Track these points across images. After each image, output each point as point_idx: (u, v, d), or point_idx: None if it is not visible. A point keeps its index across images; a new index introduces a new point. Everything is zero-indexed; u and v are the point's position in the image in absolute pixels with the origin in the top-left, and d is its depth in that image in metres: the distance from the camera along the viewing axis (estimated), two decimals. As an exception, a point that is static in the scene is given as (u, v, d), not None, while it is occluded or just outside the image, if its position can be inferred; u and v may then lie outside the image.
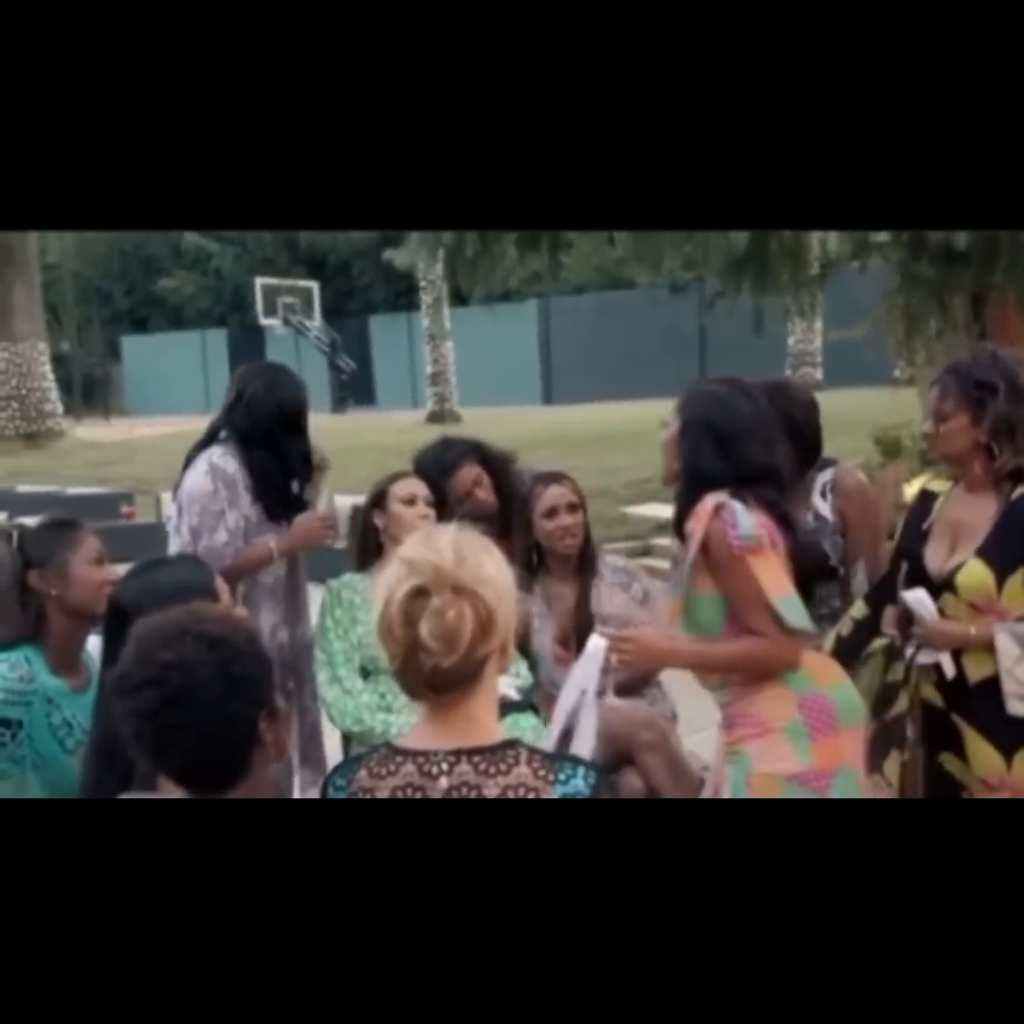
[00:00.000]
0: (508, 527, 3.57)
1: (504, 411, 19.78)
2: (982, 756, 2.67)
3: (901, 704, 2.79)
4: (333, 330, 24.35)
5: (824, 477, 3.08)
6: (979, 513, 2.68)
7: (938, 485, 2.82)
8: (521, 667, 3.34)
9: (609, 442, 13.95)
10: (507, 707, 3.08)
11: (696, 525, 2.40)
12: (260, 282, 23.07)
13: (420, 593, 1.56)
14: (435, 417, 19.38)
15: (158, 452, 15.18)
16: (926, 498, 2.82)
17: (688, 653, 2.53)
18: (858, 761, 2.47)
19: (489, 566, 1.63)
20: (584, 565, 3.48)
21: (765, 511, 2.40)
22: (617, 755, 3.26)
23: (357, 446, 14.13)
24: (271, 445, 3.40)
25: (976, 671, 2.66)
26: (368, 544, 3.43)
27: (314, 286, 23.68)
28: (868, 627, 2.84)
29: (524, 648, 3.43)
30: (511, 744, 1.63)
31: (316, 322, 23.34)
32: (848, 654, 2.79)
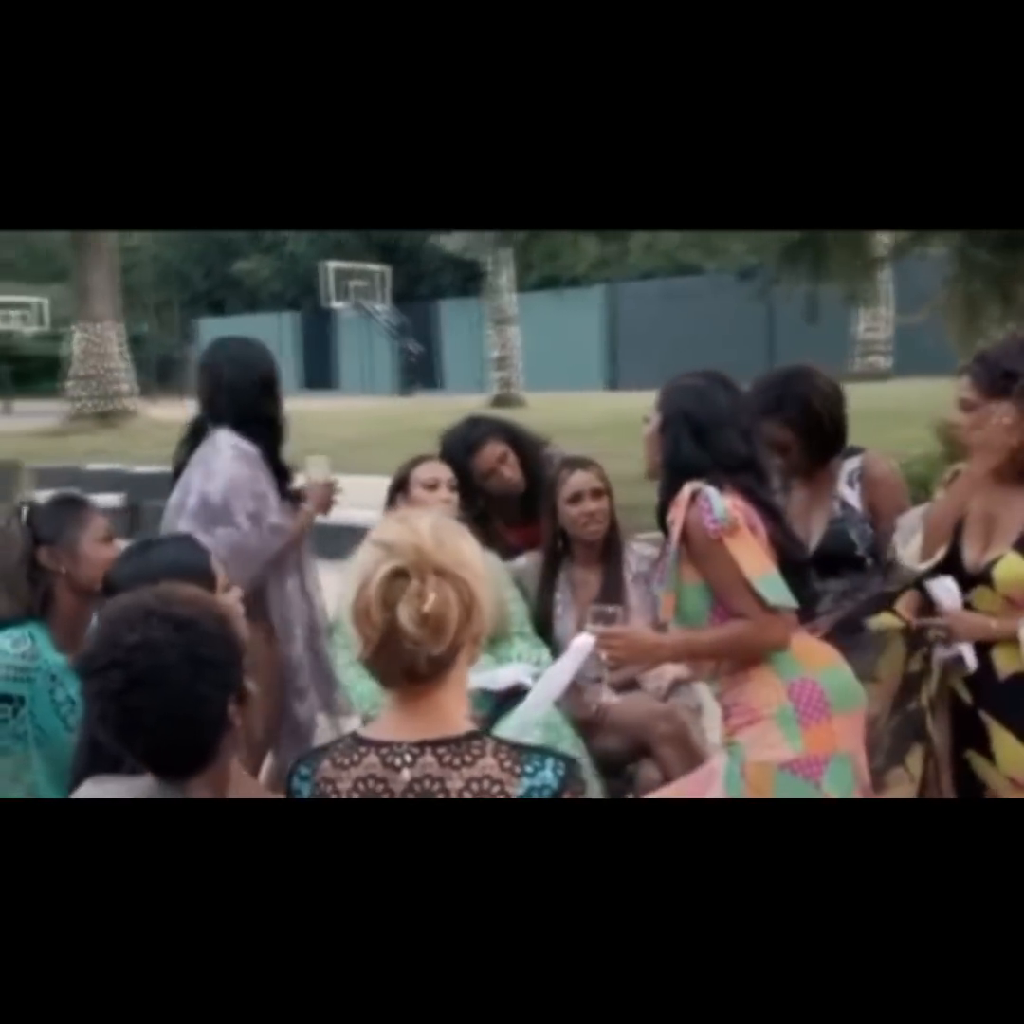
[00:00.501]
0: (535, 508, 3.54)
1: (568, 396, 19.69)
2: (1010, 753, 2.58)
3: (925, 695, 2.71)
4: (402, 314, 24.42)
5: (851, 465, 2.98)
6: (1013, 506, 2.59)
7: None
8: (543, 654, 3.29)
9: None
10: (522, 694, 3.03)
11: (676, 514, 2.38)
12: (330, 266, 23.19)
13: (399, 575, 1.52)
14: (500, 401, 19.33)
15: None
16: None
17: (676, 644, 2.52)
18: (854, 746, 2.40)
19: (467, 550, 1.59)
20: (609, 552, 3.42)
21: (743, 497, 2.38)
22: (634, 747, 3.21)
23: (420, 428, 14.09)
24: (263, 421, 3.37)
25: (1007, 665, 2.57)
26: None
27: (384, 270, 23.76)
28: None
29: (546, 635, 3.39)
30: (478, 735, 1.59)
31: (385, 306, 23.42)
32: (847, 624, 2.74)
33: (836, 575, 2.92)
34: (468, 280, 28.65)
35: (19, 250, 40.32)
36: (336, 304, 23.37)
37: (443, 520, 1.62)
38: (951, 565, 2.62)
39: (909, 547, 2.64)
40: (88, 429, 16.88)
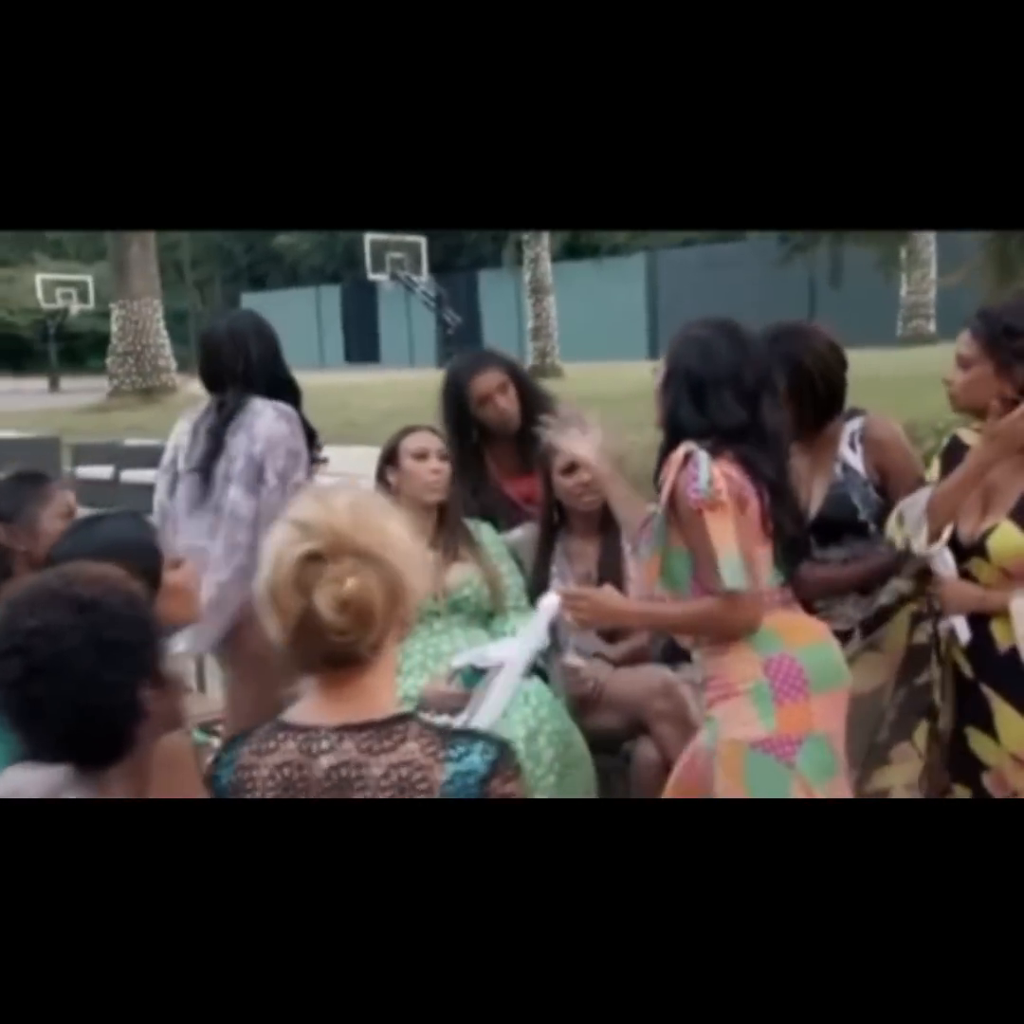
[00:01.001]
0: (531, 458, 3.42)
1: (607, 366, 19.48)
2: (1013, 729, 2.45)
3: (932, 670, 2.57)
4: (441, 285, 24.26)
5: (853, 427, 2.79)
6: (1011, 473, 2.43)
7: (971, 436, 2.54)
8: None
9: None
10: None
11: (667, 475, 2.23)
12: (369, 238, 23.03)
13: (314, 558, 1.41)
14: (536, 371, 19.11)
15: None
16: (957, 451, 2.54)
17: (641, 612, 2.45)
18: (834, 727, 2.28)
19: (393, 528, 1.48)
20: (608, 522, 3.28)
21: (740, 466, 2.22)
22: (631, 724, 3.09)
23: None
24: (287, 385, 3.51)
25: (1006, 638, 2.43)
26: (382, 501, 3.29)
27: (421, 241, 23.56)
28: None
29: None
30: (402, 718, 1.49)
31: (423, 277, 23.26)
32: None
33: (837, 541, 2.76)
34: (506, 251, 28.50)
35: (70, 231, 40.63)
36: (375, 276, 23.23)
37: (366, 497, 1.50)
38: (952, 536, 2.48)
39: (920, 536, 2.47)
40: (129, 405, 16.98)
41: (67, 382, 28.96)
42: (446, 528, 3.27)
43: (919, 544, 2.44)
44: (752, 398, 2.27)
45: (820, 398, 2.73)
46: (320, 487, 1.51)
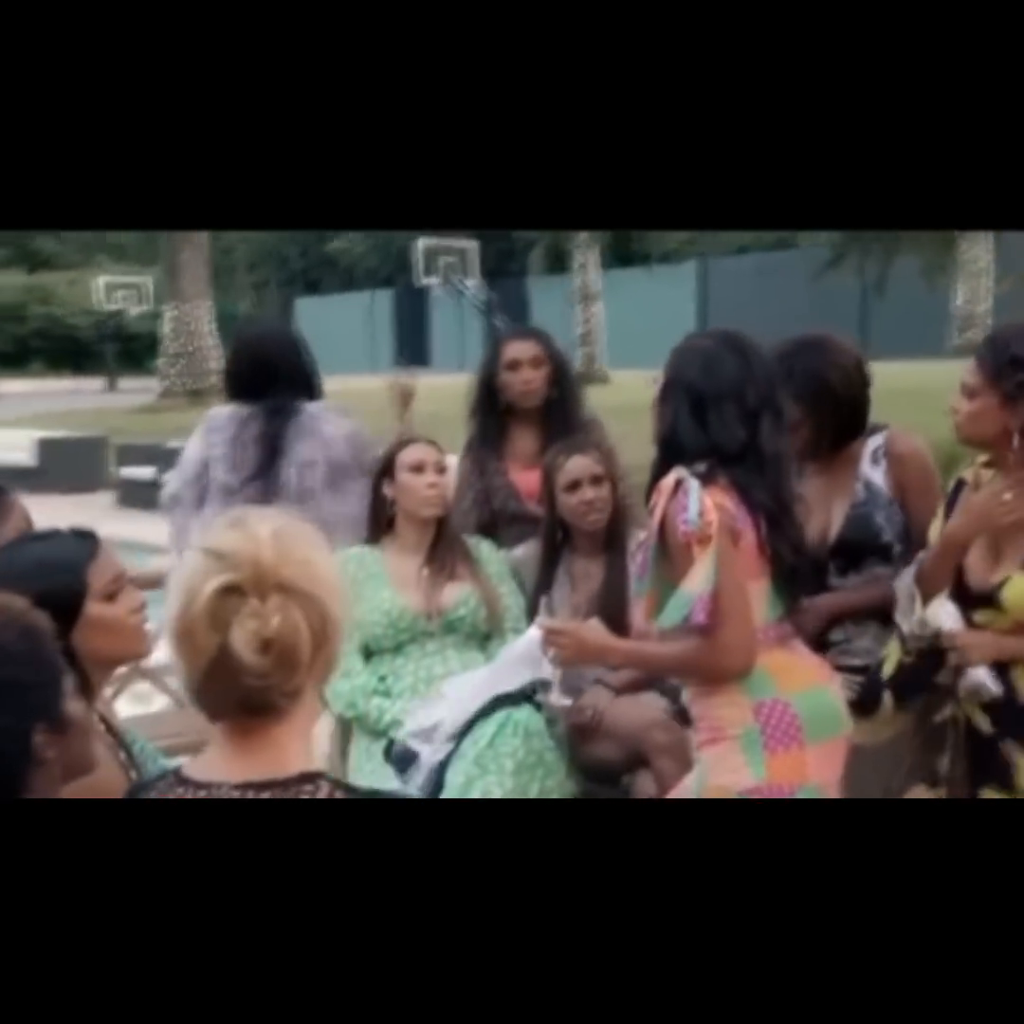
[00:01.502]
0: (549, 427, 3.36)
1: (655, 373, 19.19)
2: None
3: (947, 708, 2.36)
4: (491, 290, 24.13)
5: (874, 442, 2.57)
6: (1022, 521, 2.19)
7: (976, 474, 2.32)
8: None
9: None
10: (502, 700, 2.77)
11: (657, 501, 2.06)
12: (420, 242, 22.98)
13: (233, 591, 1.26)
14: (582, 378, 18.91)
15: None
16: (961, 490, 2.32)
17: (625, 650, 2.29)
18: (828, 778, 2.09)
19: (319, 561, 1.33)
20: (613, 542, 3.10)
21: (734, 494, 2.05)
22: (630, 756, 2.90)
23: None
24: (321, 390, 3.51)
25: None
26: (378, 516, 3.14)
27: (473, 246, 23.45)
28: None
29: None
30: (311, 777, 1.33)
31: (474, 282, 23.14)
32: (907, 687, 2.32)
33: (859, 566, 2.54)
34: (559, 257, 28.33)
35: (131, 233, 41.17)
36: (426, 281, 23.14)
37: (291, 525, 1.35)
38: (954, 583, 2.25)
39: (913, 616, 2.25)
40: (179, 406, 17.01)
41: (124, 382, 29.24)
42: (443, 544, 3.11)
43: (913, 622, 2.23)
44: (753, 417, 2.10)
45: (842, 417, 2.53)
46: (239, 514, 1.36)
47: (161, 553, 9.33)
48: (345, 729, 3.13)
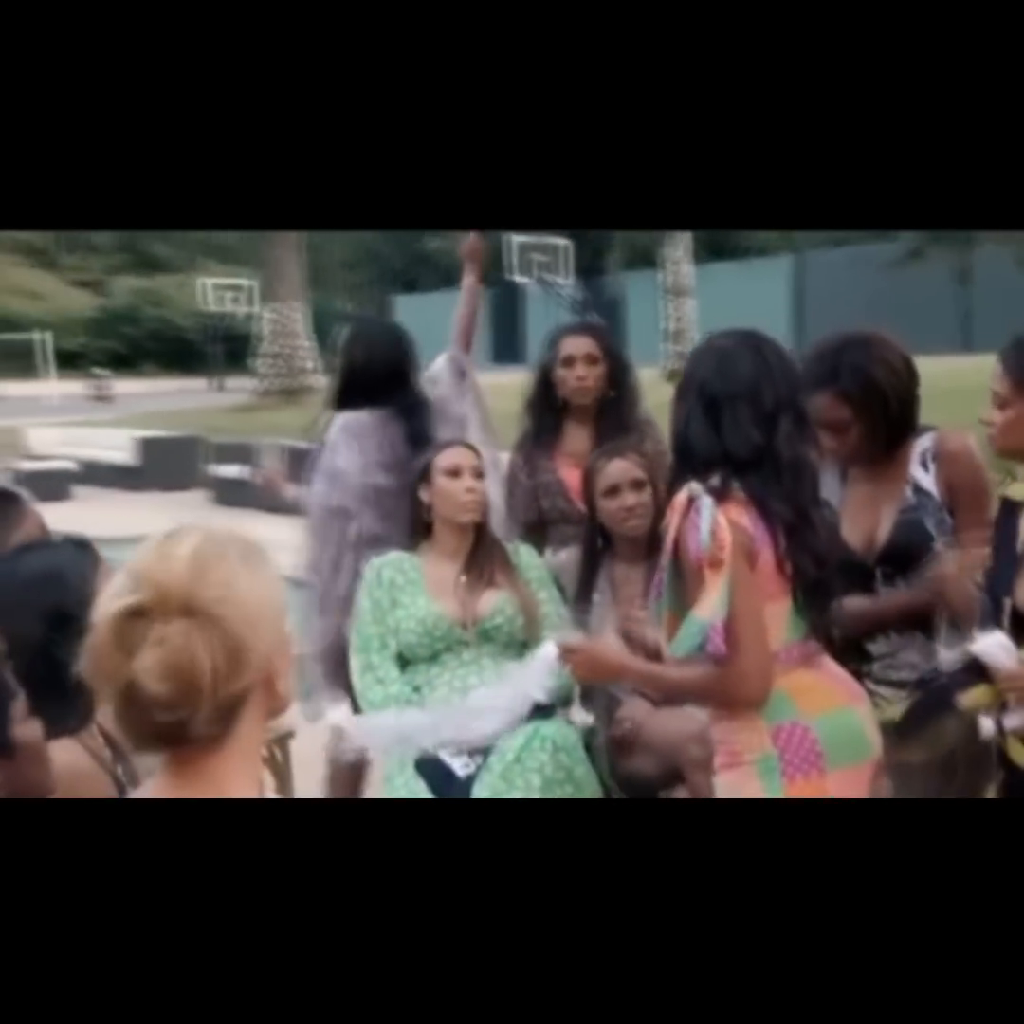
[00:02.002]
0: (602, 426, 3.28)
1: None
2: None
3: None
4: (585, 287, 23.99)
5: (923, 444, 2.39)
6: None
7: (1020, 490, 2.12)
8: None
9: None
10: (539, 710, 2.67)
11: (671, 519, 1.94)
12: (515, 240, 22.95)
13: (138, 615, 1.18)
14: (672, 375, 18.70)
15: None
16: (1011, 510, 2.11)
17: (640, 672, 2.18)
18: None
19: (243, 581, 1.23)
20: (654, 547, 2.97)
21: (750, 508, 1.91)
22: (667, 771, 2.78)
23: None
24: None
25: None
26: (416, 521, 3.06)
27: (567, 244, 23.33)
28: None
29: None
30: None
31: (567, 279, 23.02)
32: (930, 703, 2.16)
33: (908, 573, 2.36)
34: (652, 252, 28.05)
35: (235, 235, 42.06)
36: (519, 278, 23.10)
37: (220, 543, 1.26)
38: (1000, 607, 2.05)
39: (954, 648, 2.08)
40: (274, 405, 17.24)
41: (230, 382, 29.82)
42: (481, 550, 3.02)
43: (955, 652, 2.05)
44: (770, 420, 1.96)
45: (892, 417, 2.35)
46: (174, 529, 1.27)
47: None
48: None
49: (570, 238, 24.09)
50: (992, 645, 1.96)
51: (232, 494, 11.87)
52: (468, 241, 3.76)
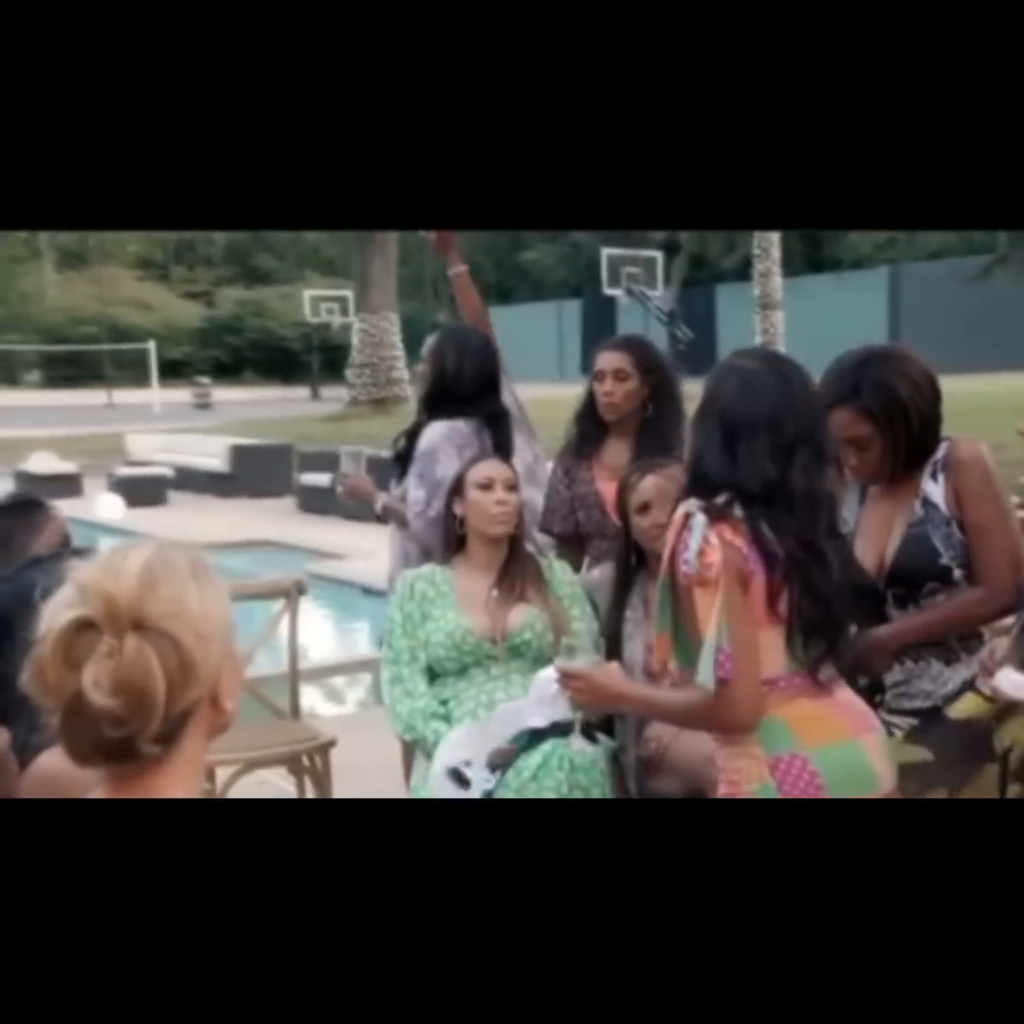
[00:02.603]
0: (641, 441, 3.22)
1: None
2: None
3: None
4: (675, 300, 23.82)
5: (938, 454, 2.29)
6: None
7: None
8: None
9: (950, 416, 12.43)
10: (541, 734, 2.62)
11: (668, 537, 1.89)
12: (606, 252, 22.87)
13: (86, 628, 1.16)
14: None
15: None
16: None
17: (639, 698, 2.11)
18: None
19: (193, 597, 1.22)
20: (689, 567, 2.90)
21: (750, 533, 1.84)
22: (691, 793, 2.70)
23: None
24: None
25: None
26: (449, 534, 3.04)
27: (658, 256, 23.18)
28: None
29: (614, 657, 2.93)
30: None
31: (658, 292, 22.86)
32: None
33: (916, 592, 2.27)
34: (747, 265, 27.73)
35: (338, 247, 42.76)
36: (611, 291, 23.01)
37: (170, 556, 1.24)
38: None
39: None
40: (364, 415, 17.43)
41: (327, 391, 30.28)
42: (514, 564, 2.98)
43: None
44: (788, 452, 1.89)
45: (914, 434, 2.25)
46: (129, 543, 1.26)
47: (332, 557, 9.56)
48: (410, 750, 3.04)
49: (661, 250, 23.93)
50: (1007, 679, 1.88)
51: (317, 501, 12.03)
52: (432, 237, 3.74)
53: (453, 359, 3.42)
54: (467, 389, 3.39)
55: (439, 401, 3.42)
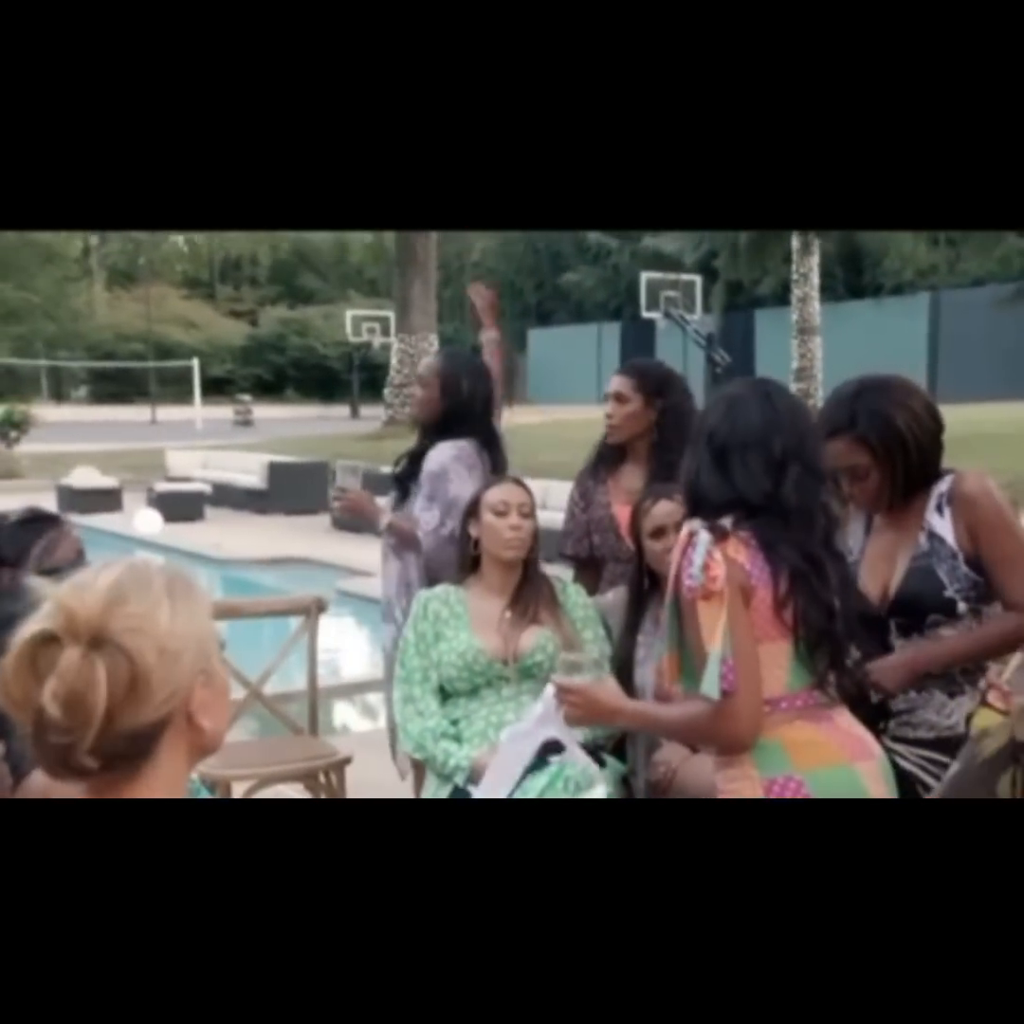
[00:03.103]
0: (654, 466, 3.19)
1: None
2: None
3: None
4: (713, 324, 23.79)
5: (940, 488, 2.27)
6: None
7: None
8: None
9: (986, 443, 12.31)
10: (551, 747, 2.61)
11: (673, 556, 1.91)
12: (645, 276, 22.94)
13: (50, 642, 1.17)
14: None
15: (530, 439, 15.41)
16: None
17: (635, 713, 2.12)
18: None
19: (163, 614, 1.22)
20: (702, 592, 2.89)
21: (753, 548, 1.87)
22: (698, 820, 2.69)
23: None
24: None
25: None
26: (464, 555, 3.05)
27: (696, 280, 23.19)
28: None
29: (626, 682, 2.92)
30: None
31: (696, 315, 22.84)
32: None
33: (919, 623, 2.25)
34: (786, 289, 27.68)
35: (381, 268, 43.14)
36: (649, 314, 23.06)
37: (149, 572, 1.26)
38: None
39: None
40: (400, 434, 17.51)
41: (367, 410, 30.49)
42: (528, 586, 2.98)
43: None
44: (779, 468, 1.92)
45: (912, 463, 2.24)
46: (106, 562, 1.28)
47: (360, 575, 9.60)
48: (421, 769, 3.05)
49: (710, 275, 23.91)
50: None
51: (350, 518, 12.07)
52: (482, 294, 3.76)
53: (468, 384, 3.46)
54: (478, 412, 3.44)
55: (450, 423, 3.44)
